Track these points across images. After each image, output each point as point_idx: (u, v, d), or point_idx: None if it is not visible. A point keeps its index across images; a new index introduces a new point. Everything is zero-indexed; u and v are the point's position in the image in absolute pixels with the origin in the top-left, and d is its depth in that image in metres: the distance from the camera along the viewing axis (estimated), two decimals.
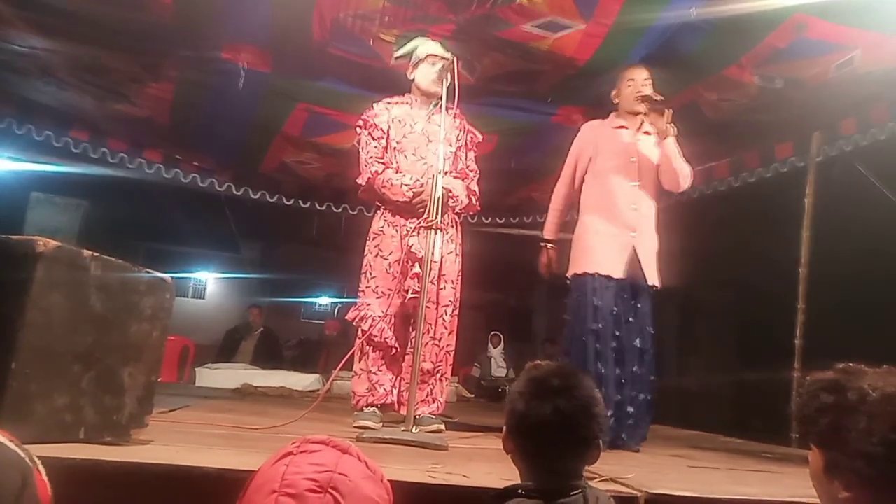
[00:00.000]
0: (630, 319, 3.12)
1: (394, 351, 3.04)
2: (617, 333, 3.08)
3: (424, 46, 3.15)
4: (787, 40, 3.32)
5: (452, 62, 2.89)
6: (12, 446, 0.74)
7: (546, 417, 1.24)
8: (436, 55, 3.11)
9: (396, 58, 3.29)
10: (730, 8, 3.07)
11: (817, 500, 1.17)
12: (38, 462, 0.76)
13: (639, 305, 3.16)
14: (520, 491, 1.26)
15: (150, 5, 3.49)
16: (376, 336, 3.00)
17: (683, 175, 3.21)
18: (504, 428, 1.32)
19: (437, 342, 3.02)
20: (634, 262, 3.15)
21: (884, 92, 3.71)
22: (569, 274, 3.25)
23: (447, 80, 2.86)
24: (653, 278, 3.18)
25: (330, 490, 0.94)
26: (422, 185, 2.94)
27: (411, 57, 3.17)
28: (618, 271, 3.14)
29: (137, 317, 1.90)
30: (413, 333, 2.80)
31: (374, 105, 3.19)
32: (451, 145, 3.11)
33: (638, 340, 3.11)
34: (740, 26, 3.24)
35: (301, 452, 1.01)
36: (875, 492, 1.03)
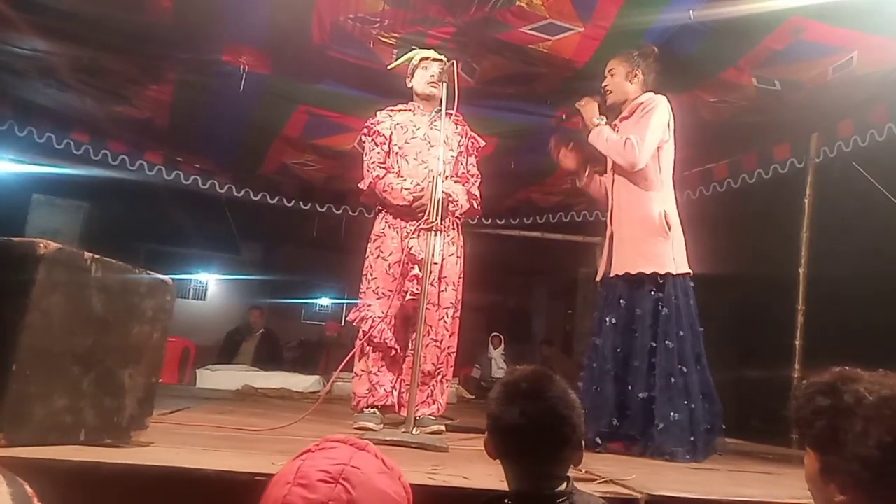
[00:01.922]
0: (610, 318, 3.00)
1: (394, 352, 3.06)
2: (599, 337, 3.04)
3: (418, 53, 3.22)
4: (784, 43, 3.33)
5: (452, 65, 2.91)
6: (4, 487, 0.73)
7: (515, 420, 1.26)
8: (428, 58, 3.18)
9: (390, 67, 3.34)
10: (727, 10, 3.07)
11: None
12: (31, 496, 0.76)
13: (614, 300, 3.02)
14: (506, 501, 1.27)
15: (149, 7, 3.49)
16: (376, 337, 3.01)
17: (619, 157, 3.04)
18: (486, 433, 1.34)
19: (438, 344, 3.04)
20: (609, 255, 3.11)
21: (882, 94, 3.71)
22: None
23: (445, 81, 2.89)
24: (623, 266, 3.01)
25: (341, 481, 0.97)
26: (422, 190, 2.97)
27: (408, 66, 3.22)
28: (600, 272, 3.17)
29: (138, 318, 1.90)
30: (414, 334, 2.81)
31: (378, 112, 3.26)
32: (451, 150, 3.15)
33: (610, 340, 2.98)
34: (738, 29, 3.24)
35: (319, 450, 1.05)
36: (870, 495, 1.03)
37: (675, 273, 2.96)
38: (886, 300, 4.46)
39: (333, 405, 3.90)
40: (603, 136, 3.08)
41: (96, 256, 1.79)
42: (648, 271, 2.95)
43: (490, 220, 6.31)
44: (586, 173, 3.36)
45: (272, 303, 11.02)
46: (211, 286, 13.39)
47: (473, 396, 6.72)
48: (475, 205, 3.21)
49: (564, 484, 1.28)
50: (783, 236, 4.44)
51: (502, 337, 8.32)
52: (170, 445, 1.93)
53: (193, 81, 4.36)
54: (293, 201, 6.20)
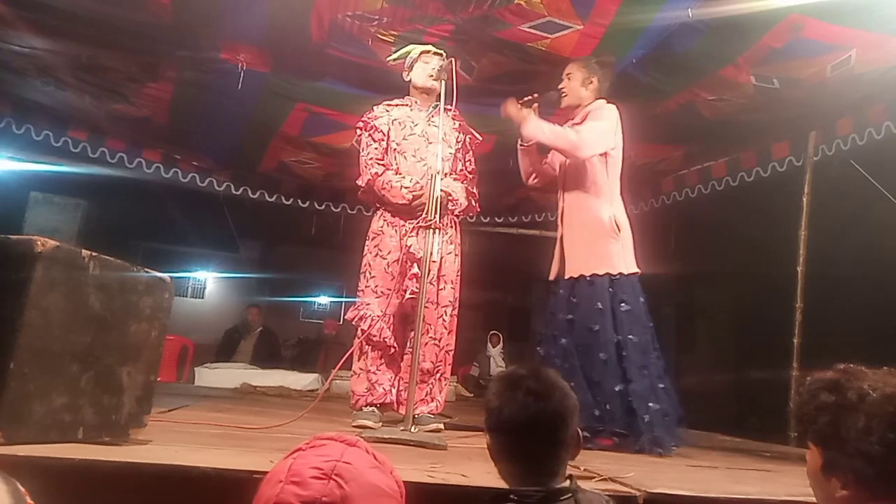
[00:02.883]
0: (570, 317, 3.06)
1: (392, 350, 3.05)
2: (565, 337, 3.06)
3: (417, 48, 3.21)
4: (783, 40, 3.33)
5: (451, 63, 2.90)
6: (2, 484, 0.74)
7: (515, 411, 1.28)
8: (429, 51, 3.17)
9: (388, 60, 3.32)
10: (726, 9, 3.08)
11: (815, 499, 1.18)
12: (24, 494, 0.76)
13: (574, 300, 3.08)
14: (512, 496, 1.27)
15: (148, 5, 3.48)
16: (375, 336, 3.00)
17: (564, 143, 3.11)
18: (487, 434, 1.35)
19: (436, 342, 3.03)
20: (561, 255, 3.17)
21: (880, 92, 3.71)
22: None
23: (444, 78, 2.88)
24: (576, 269, 3.08)
25: (333, 477, 0.97)
26: (421, 188, 2.96)
27: (406, 60, 3.21)
28: (553, 272, 3.21)
29: (136, 316, 1.90)
30: (412, 333, 2.80)
31: (375, 107, 3.22)
32: (450, 147, 3.13)
33: (574, 338, 3.03)
34: (736, 27, 3.24)
35: (310, 448, 1.05)
36: (872, 490, 1.04)
37: (626, 273, 3.06)
38: (884, 298, 4.47)
39: (332, 403, 3.90)
40: (542, 127, 3.11)
41: (94, 254, 1.78)
42: (601, 272, 3.05)
43: (489, 219, 6.31)
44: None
45: (270, 301, 11.01)
46: (209, 284, 13.40)
47: (472, 394, 6.73)
48: (473, 203, 3.21)
49: (567, 482, 1.28)
50: (781, 235, 4.44)
51: (501, 335, 8.33)
52: (168, 443, 1.93)
53: (192, 79, 4.35)
54: (291, 199, 6.19)
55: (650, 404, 2.89)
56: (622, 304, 3.00)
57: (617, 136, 3.15)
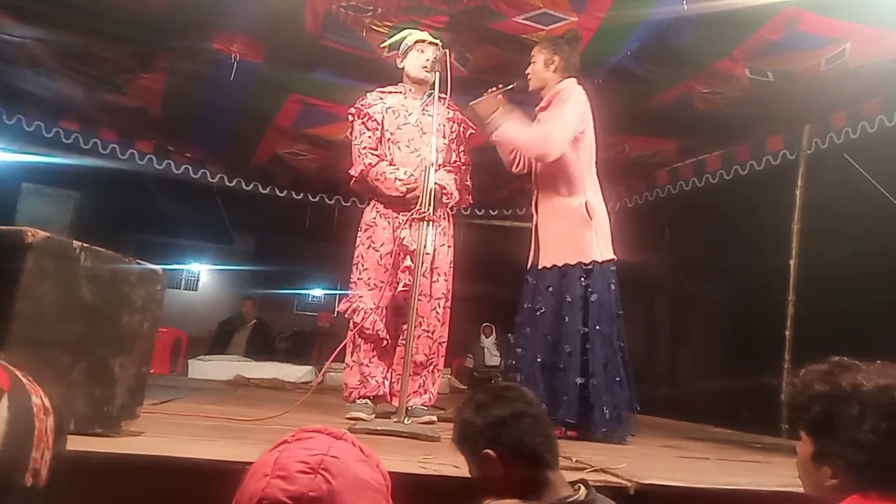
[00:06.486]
0: (538, 307, 3.04)
1: (385, 343, 3.04)
2: (531, 326, 3.06)
3: (412, 35, 3.14)
4: (779, 33, 3.33)
5: (445, 53, 2.88)
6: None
7: (517, 410, 1.32)
8: (424, 41, 3.10)
9: (383, 46, 3.28)
10: (722, 2, 3.07)
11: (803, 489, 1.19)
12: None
13: (544, 289, 3.06)
14: None
15: None
16: (368, 328, 2.99)
17: (532, 149, 3.08)
18: (486, 453, 1.31)
19: (429, 334, 3.03)
20: (536, 244, 3.16)
21: (874, 86, 3.72)
22: None
23: (438, 70, 2.86)
24: (549, 259, 3.06)
25: (320, 471, 0.95)
26: (415, 180, 2.93)
27: (400, 47, 3.17)
28: (529, 261, 3.20)
29: (128, 308, 1.89)
30: (405, 325, 2.80)
31: (368, 94, 3.16)
32: (444, 137, 3.10)
33: (541, 328, 3.02)
34: (733, 19, 3.24)
35: (296, 440, 1.03)
36: (861, 479, 1.06)
37: (600, 260, 3.02)
38: (876, 291, 4.49)
39: (325, 396, 3.90)
40: (510, 133, 3.01)
41: (86, 245, 1.77)
42: (574, 262, 3.01)
43: (483, 211, 6.31)
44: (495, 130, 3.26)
45: (264, 293, 10.98)
46: (203, 276, 13.35)
47: (466, 386, 6.74)
48: (466, 195, 3.20)
49: (584, 489, 1.29)
50: (774, 227, 4.46)
51: (493, 326, 8.34)
52: (160, 435, 1.92)
53: (185, 70, 4.32)
54: (285, 191, 6.18)
55: (609, 398, 2.89)
56: (592, 295, 2.97)
57: (585, 118, 3.06)
